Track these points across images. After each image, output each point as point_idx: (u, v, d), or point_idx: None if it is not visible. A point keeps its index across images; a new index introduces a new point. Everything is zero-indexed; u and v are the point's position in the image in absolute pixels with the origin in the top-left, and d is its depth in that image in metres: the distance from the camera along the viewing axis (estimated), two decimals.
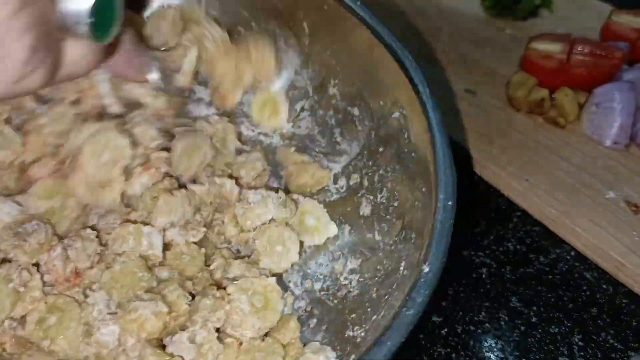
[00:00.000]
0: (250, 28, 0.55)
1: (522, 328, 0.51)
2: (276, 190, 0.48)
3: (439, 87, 0.71)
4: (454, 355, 0.49)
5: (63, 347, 0.39)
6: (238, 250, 0.48)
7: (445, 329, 0.51)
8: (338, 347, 0.39)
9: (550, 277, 0.55)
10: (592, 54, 0.67)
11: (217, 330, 0.40)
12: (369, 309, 0.39)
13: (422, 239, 0.36)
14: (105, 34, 0.35)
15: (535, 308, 0.53)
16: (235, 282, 0.41)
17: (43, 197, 0.43)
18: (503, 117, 0.68)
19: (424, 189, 0.39)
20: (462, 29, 0.81)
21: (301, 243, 0.48)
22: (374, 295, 0.40)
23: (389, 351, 0.30)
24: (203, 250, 0.45)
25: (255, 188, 0.49)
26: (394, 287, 0.37)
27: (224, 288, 0.41)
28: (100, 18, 0.32)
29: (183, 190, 0.46)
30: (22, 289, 0.40)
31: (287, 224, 0.47)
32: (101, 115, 0.45)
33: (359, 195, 0.48)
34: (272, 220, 0.46)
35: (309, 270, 0.47)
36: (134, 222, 0.44)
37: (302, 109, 0.55)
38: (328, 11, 0.48)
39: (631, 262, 0.54)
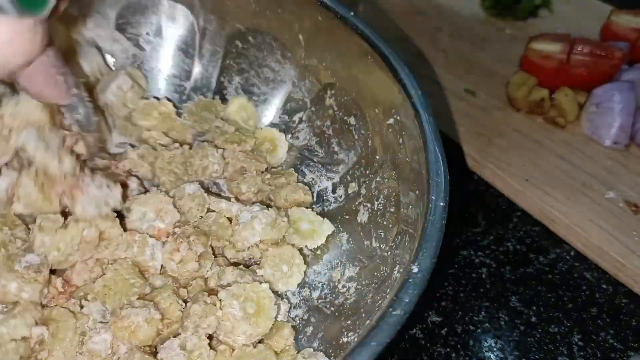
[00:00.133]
0: (247, 42, 0.55)
1: (522, 328, 0.51)
2: (270, 206, 0.48)
3: (439, 87, 0.71)
4: (454, 355, 0.49)
5: (59, 358, 0.39)
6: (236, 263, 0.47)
7: (445, 329, 0.51)
8: (333, 354, 0.39)
9: (550, 277, 0.55)
10: (592, 54, 0.67)
11: (211, 336, 0.40)
12: (363, 315, 0.39)
13: (414, 241, 0.36)
14: (35, 3, 0.26)
15: (535, 308, 0.53)
16: (227, 287, 0.41)
17: None
18: (503, 117, 0.68)
19: (417, 192, 0.39)
20: (462, 29, 0.81)
21: (302, 250, 0.48)
22: (369, 301, 0.40)
23: (374, 352, 0.29)
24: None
25: (255, 203, 0.49)
26: (387, 291, 0.37)
27: (217, 294, 0.41)
28: None
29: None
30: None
31: (283, 236, 0.47)
32: None
33: (357, 203, 0.48)
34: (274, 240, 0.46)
35: (307, 279, 0.47)
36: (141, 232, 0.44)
37: (300, 121, 0.55)
38: (322, 22, 0.48)
39: (631, 262, 0.54)
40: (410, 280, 0.32)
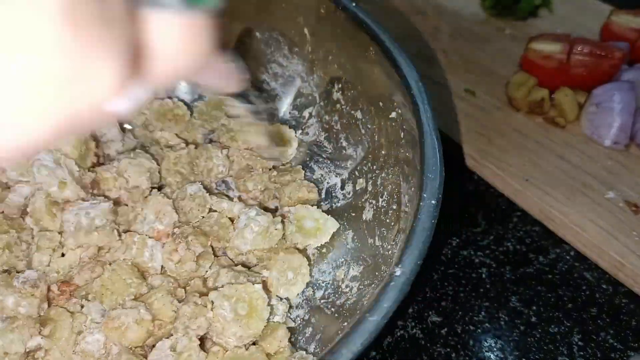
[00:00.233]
0: (254, 37, 0.55)
1: (522, 328, 0.51)
2: (270, 209, 0.48)
3: (439, 87, 0.71)
4: (454, 355, 0.49)
5: (56, 357, 0.39)
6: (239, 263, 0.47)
7: (445, 329, 0.51)
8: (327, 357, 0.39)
9: (550, 277, 0.55)
10: (592, 54, 0.67)
11: (205, 338, 0.40)
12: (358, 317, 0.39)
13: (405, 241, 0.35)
14: None
15: (535, 308, 0.53)
16: (219, 288, 0.40)
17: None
18: (503, 117, 0.68)
19: (413, 189, 0.38)
20: (462, 29, 0.81)
21: (306, 250, 0.48)
22: (366, 302, 0.39)
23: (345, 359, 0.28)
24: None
25: (259, 202, 0.49)
26: None
27: (207, 295, 0.41)
28: None
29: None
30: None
31: (283, 236, 0.47)
32: None
33: (364, 200, 0.48)
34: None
35: (311, 278, 0.47)
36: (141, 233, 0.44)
37: (310, 116, 0.55)
38: (325, 14, 0.48)
39: (631, 262, 0.54)
40: (392, 283, 0.30)
